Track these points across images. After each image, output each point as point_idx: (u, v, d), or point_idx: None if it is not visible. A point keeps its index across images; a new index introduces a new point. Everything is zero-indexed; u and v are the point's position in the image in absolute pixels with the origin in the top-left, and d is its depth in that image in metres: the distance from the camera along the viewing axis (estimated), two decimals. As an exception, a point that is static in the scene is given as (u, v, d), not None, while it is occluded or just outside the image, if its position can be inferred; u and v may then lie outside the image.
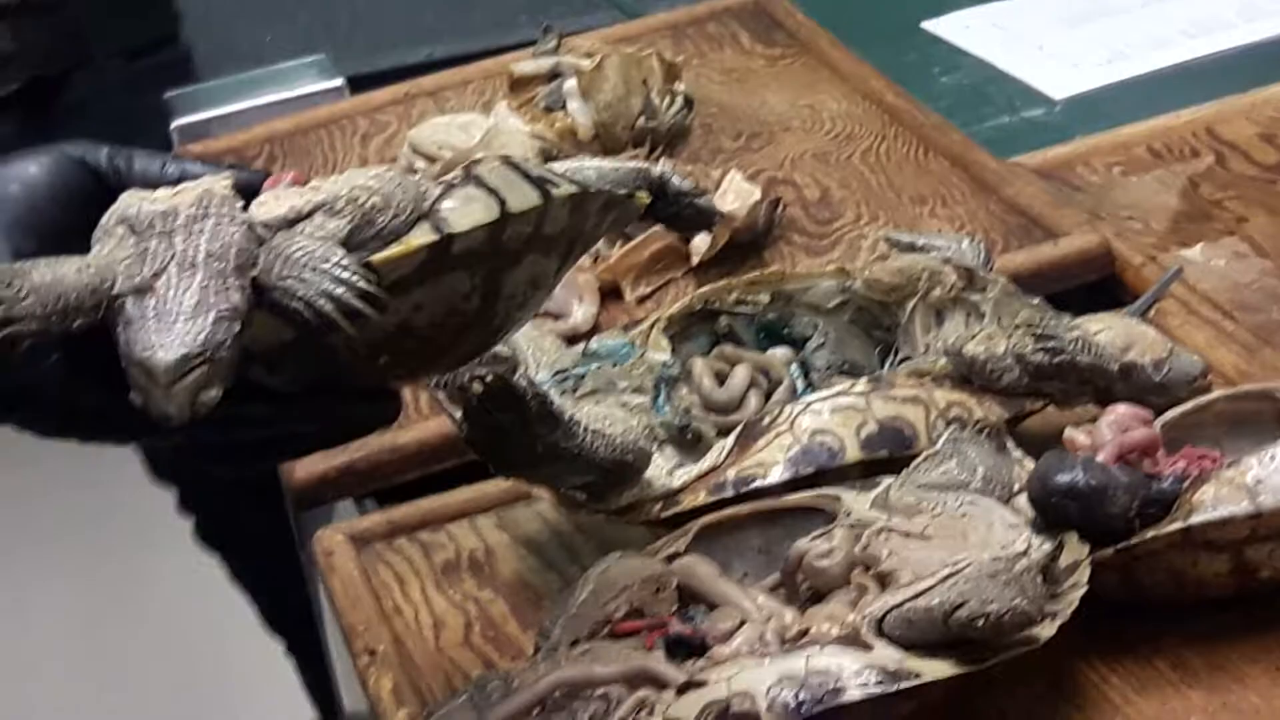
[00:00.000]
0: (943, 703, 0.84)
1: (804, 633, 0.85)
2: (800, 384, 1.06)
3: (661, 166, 0.91)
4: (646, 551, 0.95)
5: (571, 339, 1.15)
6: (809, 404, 1.00)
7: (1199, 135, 1.37)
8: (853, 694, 0.80)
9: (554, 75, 1.45)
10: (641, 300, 1.27)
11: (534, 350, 1.07)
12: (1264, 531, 0.88)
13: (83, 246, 0.75)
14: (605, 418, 0.99)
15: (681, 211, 0.92)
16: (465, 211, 0.78)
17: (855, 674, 0.81)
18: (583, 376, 1.04)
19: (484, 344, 0.85)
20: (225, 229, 0.74)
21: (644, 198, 0.88)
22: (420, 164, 1.38)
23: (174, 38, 2.02)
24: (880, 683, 0.81)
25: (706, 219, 0.93)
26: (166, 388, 0.71)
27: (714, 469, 0.99)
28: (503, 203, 0.78)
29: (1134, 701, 0.88)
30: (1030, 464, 0.94)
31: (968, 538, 0.87)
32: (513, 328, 0.85)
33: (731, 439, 1.00)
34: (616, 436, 0.97)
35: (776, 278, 1.10)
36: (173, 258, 0.73)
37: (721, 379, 1.05)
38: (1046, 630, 0.84)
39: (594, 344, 1.07)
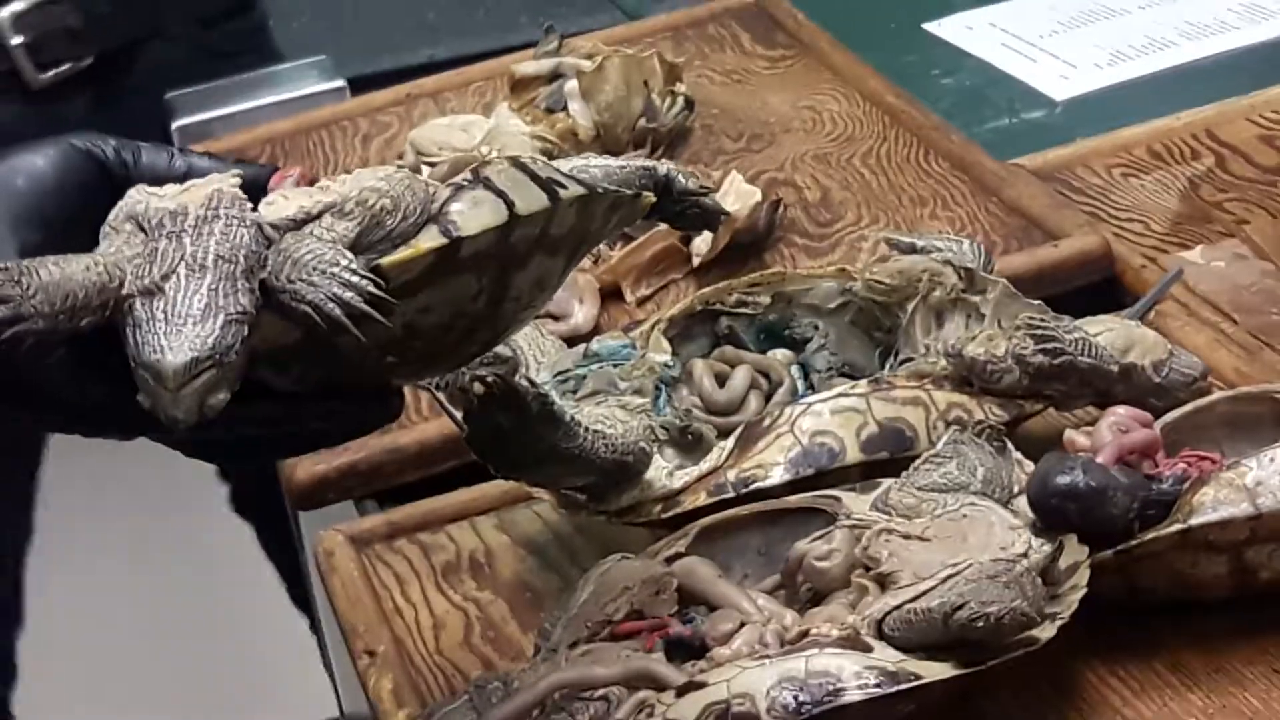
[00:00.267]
0: (943, 704, 0.84)
1: (804, 634, 0.85)
2: (801, 385, 1.06)
3: (667, 165, 0.90)
4: (646, 553, 0.95)
5: (572, 340, 1.15)
6: (809, 405, 1.00)
7: (1199, 137, 1.37)
8: (853, 695, 0.80)
9: (555, 76, 1.45)
10: (642, 301, 1.27)
11: (535, 351, 1.07)
12: (1263, 533, 0.88)
13: (89, 240, 0.75)
14: (606, 419, 0.99)
15: (687, 210, 0.91)
16: (474, 214, 0.77)
17: (855, 675, 0.81)
18: (583, 377, 1.04)
19: (489, 344, 0.85)
20: (235, 231, 0.74)
21: (649, 197, 0.88)
22: (424, 167, 1.38)
23: (250, 4, 1.93)
24: (880, 684, 0.81)
25: (713, 218, 0.92)
26: (175, 391, 0.71)
27: (714, 470, 0.99)
28: (511, 206, 0.78)
29: (1133, 703, 0.88)
30: (1030, 466, 0.94)
31: (968, 539, 0.87)
32: (517, 328, 0.85)
33: (732, 440, 1.00)
34: (617, 437, 0.97)
35: (777, 279, 1.10)
36: (182, 259, 0.73)
37: (722, 380, 1.05)
38: (1046, 632, 0.84)
39: (595, 345, 1.07)
